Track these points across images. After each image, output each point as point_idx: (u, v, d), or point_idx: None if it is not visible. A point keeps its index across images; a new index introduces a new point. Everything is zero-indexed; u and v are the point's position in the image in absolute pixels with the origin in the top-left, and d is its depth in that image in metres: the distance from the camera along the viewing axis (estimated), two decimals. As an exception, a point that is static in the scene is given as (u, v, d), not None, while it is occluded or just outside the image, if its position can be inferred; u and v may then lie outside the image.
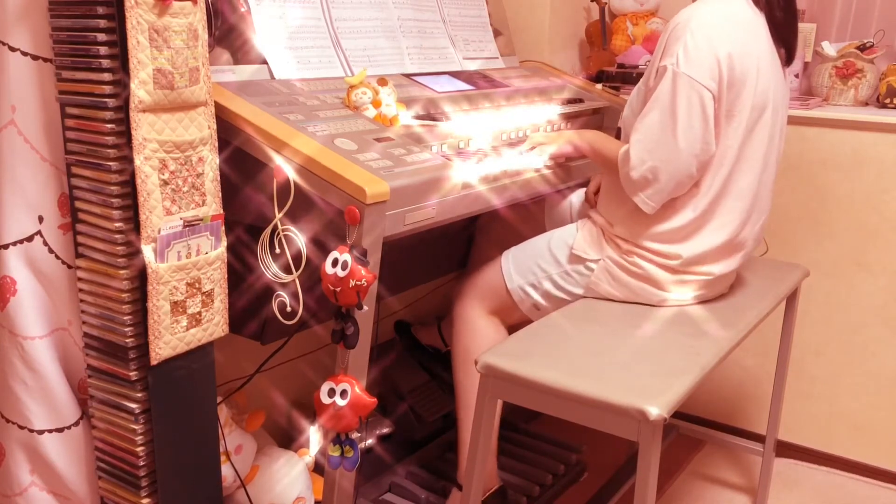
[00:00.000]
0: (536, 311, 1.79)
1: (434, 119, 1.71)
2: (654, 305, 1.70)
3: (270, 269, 1.40)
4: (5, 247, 1.36)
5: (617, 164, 1.66)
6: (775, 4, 1.68)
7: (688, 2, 1.71)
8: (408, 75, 1.89)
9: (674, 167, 1.59)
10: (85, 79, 1.25)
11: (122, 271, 1.29)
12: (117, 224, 1.27)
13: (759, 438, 2.29)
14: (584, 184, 1.97)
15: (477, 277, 1.87)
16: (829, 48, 2.38)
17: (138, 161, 1.23)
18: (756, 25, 1.66)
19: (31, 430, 1.41)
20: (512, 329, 1.83)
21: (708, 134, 1.59)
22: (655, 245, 1.67)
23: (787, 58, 1.74)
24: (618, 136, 1.85)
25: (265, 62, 1.61)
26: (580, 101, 2.16)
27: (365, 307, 1.34)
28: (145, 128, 1.23)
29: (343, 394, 1.36)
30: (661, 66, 1.61)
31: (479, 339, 1.82)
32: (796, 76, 2.44)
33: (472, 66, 2.12)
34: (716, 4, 1.63)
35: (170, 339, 1.31)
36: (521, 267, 1.80)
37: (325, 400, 1.37)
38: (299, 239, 1.36)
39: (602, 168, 1.81)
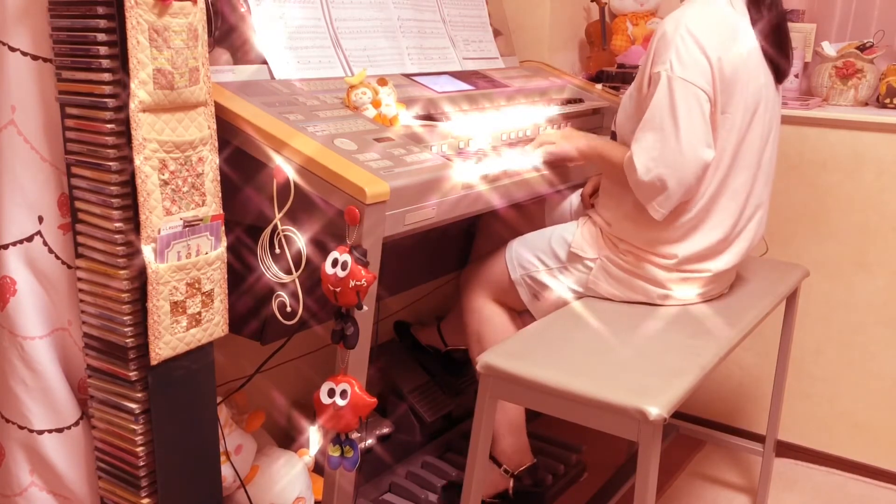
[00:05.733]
0: (536, 302, 1.80)
1: (434, 119, 1.70)
2: (654, 304, 1.70)
3: (270, 270, 1.40)
4: (5, 247, 1.36)
5: (622, 169, 1.66)
6: (766, 23, 1.67)
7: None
8: (408, 75, 1.89)
9: (681, 173, 1.58)
10: (85, 79, 1.25)
11: (121, 271, 1.29)
12: (117, 224, 1.27)
13: (759, 438, 2.29)
14: (584, 184, 1.97)
15: (482, 267, 1.90)
16: (829, 48, 2.38)
17: (138, 161, 1.23)
18: (742, 25, 1.65)
19: (31, 431, 1.41)
20: (521, 315, 1.87)
21: (709, 136, 1.59)
22: (653, 245, 1.68)
23: (777, 77, 1.72)
24: (613, 140, 1.85)
25: (265, 62, 1.61)
26: (580, 101, 2.16)
27: (365, 307, 1.34)
28: (145, 128, 1.23)
29: (343, 394, 1.36)
30: (654, 72, 1.60)
31: (489, 326, 1.85)
32: (796, 76, 2.44)
33: (472, 66, 2.12)
34: (702, 8, 1.63)
35: (170, 339, 1.31)
36: (523, 258, 1.82)
37: (325, 400, 1.37)
38: (299, 239, 1.36)
39: (607, 173, 1.80)
